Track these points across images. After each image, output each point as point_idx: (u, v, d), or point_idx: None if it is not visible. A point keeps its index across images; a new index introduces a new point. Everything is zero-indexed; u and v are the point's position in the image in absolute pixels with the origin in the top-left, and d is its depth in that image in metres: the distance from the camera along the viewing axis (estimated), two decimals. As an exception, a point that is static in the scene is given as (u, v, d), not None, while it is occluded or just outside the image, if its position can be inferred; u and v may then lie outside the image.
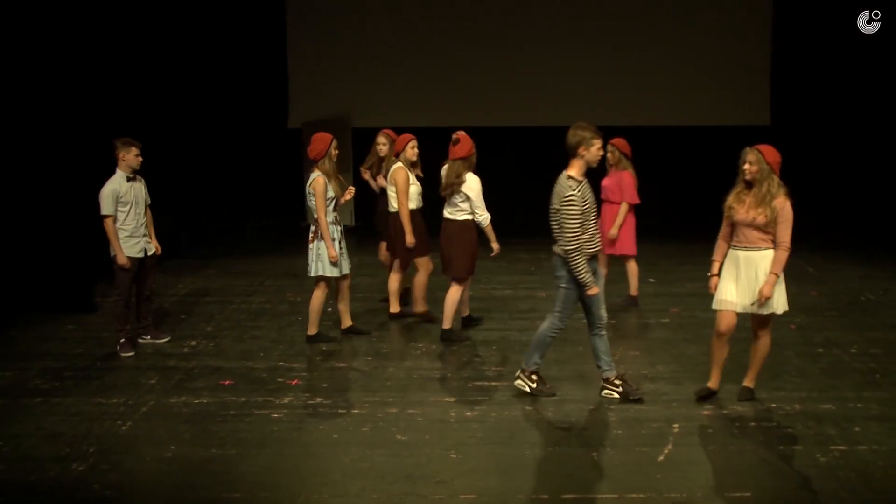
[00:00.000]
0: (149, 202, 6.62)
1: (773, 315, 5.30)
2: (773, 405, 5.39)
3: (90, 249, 7.76)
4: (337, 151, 6.58)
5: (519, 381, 5.57)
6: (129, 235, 6.38)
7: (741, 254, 5.25)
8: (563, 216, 5.12)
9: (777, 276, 5.21)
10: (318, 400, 5.59)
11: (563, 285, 5.30)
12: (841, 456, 4.67)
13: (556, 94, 11.62)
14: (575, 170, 5.18)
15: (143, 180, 6.54)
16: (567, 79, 11.65)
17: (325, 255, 6.39)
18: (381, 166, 7.37)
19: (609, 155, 7.33)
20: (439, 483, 4.44)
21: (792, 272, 8.91)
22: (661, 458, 4.72)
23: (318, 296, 6.59)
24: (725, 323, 5.33)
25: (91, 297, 7.79)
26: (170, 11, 10.85)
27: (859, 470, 4.50)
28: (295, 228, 11.93)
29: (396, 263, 7.19)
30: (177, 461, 4.74)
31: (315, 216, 6.43)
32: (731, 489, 4.34)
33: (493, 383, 5.87)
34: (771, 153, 5.32)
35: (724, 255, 5.35)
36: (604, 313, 5.44)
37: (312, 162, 6.53)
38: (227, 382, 5.94)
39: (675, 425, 5.10)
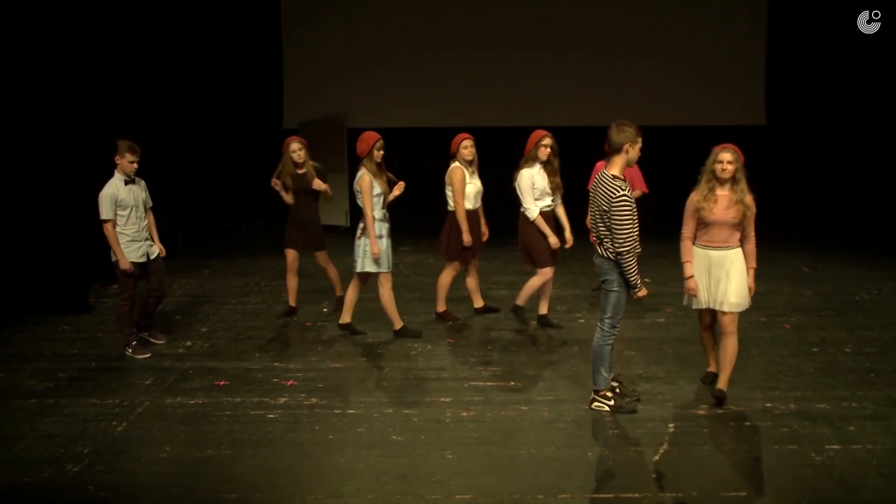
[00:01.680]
0: (150, 205, 6.53)
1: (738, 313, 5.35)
2: (768, 404, 5.40)
3: (84, 250, 7.75)
4: (381, 152, 6.55)
5: (595, 404, 5.33)
6: (131, 240, 6.27)
7: (713, 254, 5.27)
8: (616, 217, 4.96)
9: (756, 269, 5.35)
10: (314, 400, 5.58)
11: (614, 289, 5.11)
12: (836, 455, 4.68)
13: (551, 94, 11.61)
14: (617, 168, 5.06)
15: (143, 183, 6.46)
16: (562, 79, 11.65)
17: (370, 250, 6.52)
18: (296, 174, 7.14)
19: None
20: (435, 483, 4.44)
21: (787, 272, 9.00)
22: (657, 457, 4.73)
23: (384, 291, 6.75)
24: (710, 316, 5.54)
25: (85, 298, 7.77)
26: (165, 12, 10.83)
27: (854, 469, 4.52)
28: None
29: (454, 264, 7.19)
30: (172, 462, 4.74)
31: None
32: (726, 488, 4.35)
33: (489, 383, 5.87)
34: (740, 152, 5.38)
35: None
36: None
37: (359, 159, 6.61)
38: (222, 383, 5.93)
39: (671, 425, 5.11)
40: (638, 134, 5.06)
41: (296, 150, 7.13)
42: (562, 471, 4.56)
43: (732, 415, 5.25)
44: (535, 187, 6.68)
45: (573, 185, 7.82)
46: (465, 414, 5.33)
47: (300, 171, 7.18)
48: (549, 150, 6.67)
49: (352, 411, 5.39)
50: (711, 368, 5.74)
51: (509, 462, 4.67)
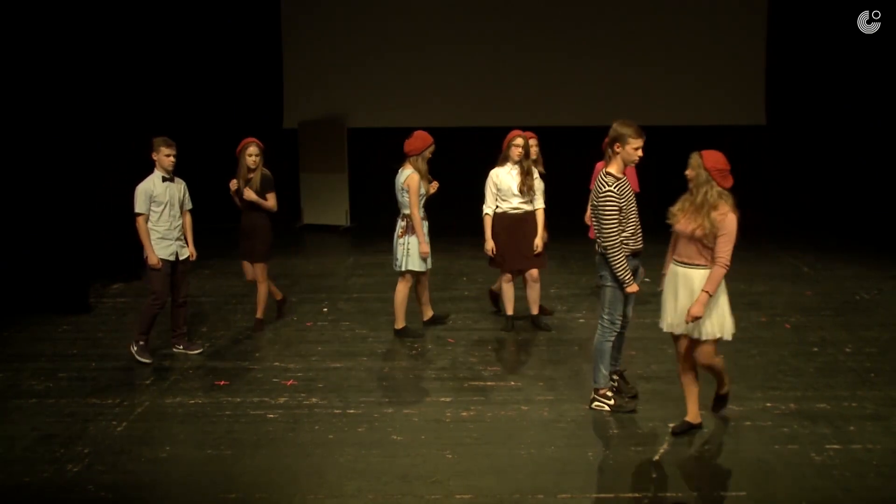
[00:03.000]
0: (189, 207, 6.47)
1: (709, 341, 4.73)
2: (769, 404, 5.40)
3: (85, 250, 7.75)
4: (431, 155, 6.60)
5: (595, 404, 5.31)
6: (161, 237, 6.20)
7: (679, 270, 4.77)
8: (600, 212, 5.03)
9: (709, 294, 4.60)
10: (314, 400, 5.58)
11: (608, 284, 5.14)
12: (836, 455, 4.68)
13: (552, 94, 11.62)
14: (614, 167, 5.09)
15: (183, 184, 6.39)
16: (563, 79, 11.65)
17: (416, 249, 6.52)
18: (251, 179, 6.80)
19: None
20: (435, 483, 4.44)
21: (787, 272, 9.00)
22: (657, 457, 4.73)
23: (403, 290, 6.72)
24: (685, 345, 4.85)
25: (85, 298, 7.76)
26: (165, 13, 10.82)
27: (854, 469, 4.52)
28: (290, 229, 11.93)
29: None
30: (172, 462, 4.74)
31: (406, 212, 6.57)
32: (726, 488, 4.35)
33: (489, 383, 5.87)
34: (712, 159, 4.75)
35: None
36: (629, 312, 5.34)
37: (405, 156, 6.59)
38: (222, 383, 5.93)
39: (671, 425, 5.10)
40: (635, 134, 5.02)
41: (252, 154, 6.77)
42: (562, 471, 4.56)
43: (732, 414, 5.25)
44: (499, 188, 6.66)
45: (573, 185, 7.85)
46: (465, 414, 5.33)
47: (249, 177, 6.82)
48: (520, 149, 6.59)
49: (352, 411, 5.39)
50: (689, 418, 4.99)
51: (509, 462, 4.67)
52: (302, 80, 12.01)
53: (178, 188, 6.36)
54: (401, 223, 6.63)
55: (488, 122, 11.65)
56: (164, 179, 6.23)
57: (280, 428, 5.14)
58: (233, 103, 11.79)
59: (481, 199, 6.83)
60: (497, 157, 6.77)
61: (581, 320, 7.30)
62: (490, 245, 6.69)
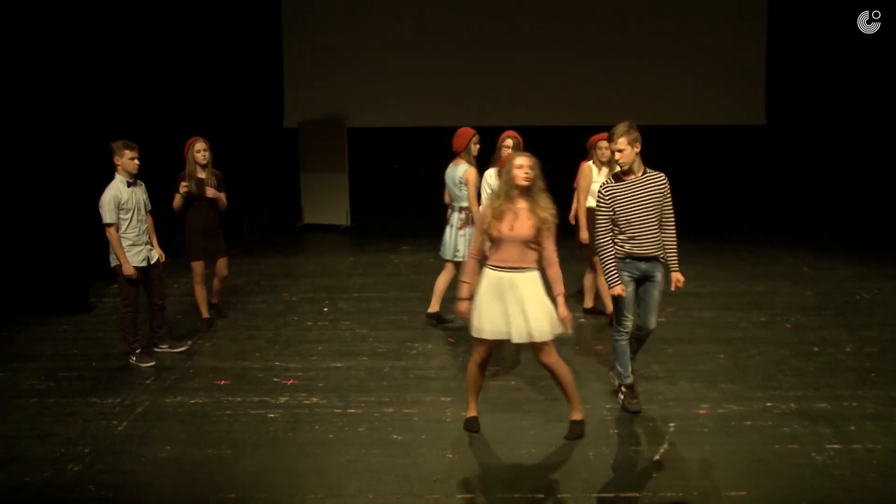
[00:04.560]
0: (150, 208, 6.33)
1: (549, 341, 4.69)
2: (769, 404, 5.40)
3: (85, 250, 7.74)
4: (477, 146, 6.78)
5: (619, 396, 5.44)
6: (132, 244, 6.07)
7: (505, 276, 4.58)
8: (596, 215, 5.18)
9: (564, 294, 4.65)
10: (314, 400, 5.58)
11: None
12: (836, 455, 4.68)
13: (551, 94, 11.62)
14: (614, 169, 5.27)
15: (143, 185, 6.27)
16: (562, 79, 11.65)
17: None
18: (197, 178, 6.74)
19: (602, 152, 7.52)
20: (435, 483, 4.44)
21: (787, 272, 9.00)
22: (657, 457, 4.73)
23: (447, 278, 6.86)
24: (487, 351, 4.80)
25: (86, 298, 7.76)
26: (165, 12, 10.83)
27: (854, 469, 4.52)
28: (290, 229, 11.94)
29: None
30: (173, 461, 4.74)
31: (464, 204, 6.73)
32: (726, 488, 4.35)
33: (490, 383, 5.86)
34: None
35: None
36: (644, 319, 5.25)
37: (454, 154, 6.77)
38: (222, 382, 5.93)
39: (671, 424, 5.11)
40: (611, 136, 4.99)
41: (201, 149, 6.68)
42: (562, 470, 4.56)
43: (733, 414, 5.25)
44: (492, 188, 6.54)
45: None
46: (465, 414, 5.32)
47: (200, 175, 6.73)
48: (509, 150, 6.56)
49: (352, 411, 5.39)
50: (472, 412, 4.96)
51: (509, 462, 4.67)
52: (302, 79, 12.01)
53: (142, 190, 6.23)
54: (459, 215, 6.80)
55: (487, 121, 11.60)
56: (128, 184, 6.06)
57: (280, 428, 5.15)
58: (233, 103, 11.79)
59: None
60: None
61: (581, 320, 7.30)
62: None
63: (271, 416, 5.33)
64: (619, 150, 4.96)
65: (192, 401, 5.59)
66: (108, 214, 5.98)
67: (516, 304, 4.57)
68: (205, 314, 7.12)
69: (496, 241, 4.58)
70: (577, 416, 4.90)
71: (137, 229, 6.13)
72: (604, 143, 6.64)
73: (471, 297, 4.70)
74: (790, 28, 11.49)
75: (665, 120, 11.30)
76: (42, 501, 4.34)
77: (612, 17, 11.62)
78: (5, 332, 7.10)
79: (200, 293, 7.04)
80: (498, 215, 4.55)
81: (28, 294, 7.64)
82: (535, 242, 4.57)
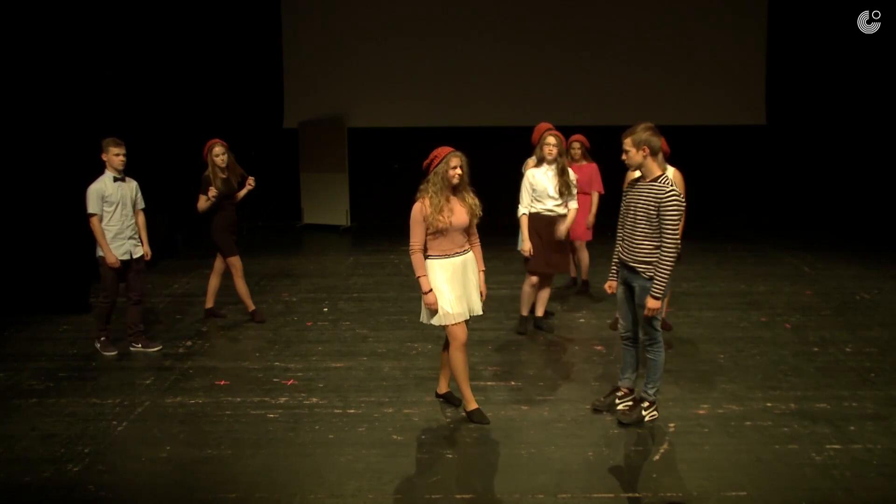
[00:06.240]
0: (142, 206, 6.53)
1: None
2: (769, 404, 5.40)
3: (84, 250, 7.73)
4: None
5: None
6: (114, 236, 6.31)
7: (457, 260, 5.01)
8: None
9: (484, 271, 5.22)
10: (314, 400, 5.58)
11: None
12: (836, 455, 4.68)
13: (551, 93, 11.63)
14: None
15: (134, 183, 6.47)
16: (562, 79, 11.66)
17: None
18: (221, 178, 7.00)
19: (574, 151, 7.61)
20: (435, 483, 4.44)
21: (787, 272, 9.00)
22: (657, 457, 4.73)
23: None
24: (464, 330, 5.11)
25: (86, 297, 7.76)
26: (165, 12, 10.82)
27: (854, 469, 4.52)
28: (290, 229, 11.94)
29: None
30: (172, 462, 4.73)
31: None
32: (726, 488, 4.35)
33: (489, 383, 5.87)
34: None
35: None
36: (619, 318, 5.28)
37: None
38: (222, 383, 5.93)
39: (671, 425, 5.11)
40: (623, 135, 4.94)
41: (219, 154, 7.00)
42: (562, 470, 4.56)
43: (733, 414, 5.25)
44: (534, 188, 6.53)
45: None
46: (466, 408, 5.32)
47: (223, 176, 7.03)
48: (553, 148, 6.42)
49: (352, 411, 5.39)
50: (475, 404, 5.21)
51: (509, 462, 4.67)
52: (302, 79, 12.02)
53: (130, 188, 6.44)
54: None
55: (487, 121, 11.68)
56: (115, 179, 6.31)
57: (280, 428, 5.15)
58: (233, 103, 11.80)
59: (479, 198, 6.82)
60: (499, 155, 6.75)
61: (581, 320, 7.31)
62: (527, 246, 6.51)
63: (271, 416, 5.33)
64: (625, 152, 4.92)
65: (192, 401, 5.59)
66: (90, 205, 6.24)
67: (469, 283, 5.07)
68: (251, 306, 7.38)
69: (443, 232, 4.96)
70: (444, 388, 5.47)
71: (120, 223, 6.33)
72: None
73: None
74: (790, 28, 11.50)
75: (665, 120, 11.19)
76: (42, 501, 4.34)
77: (612, 17, 11.63)
78: (6, 331, 7.10)
79: (243, 287, 7.30)
80: (438, 210, 4.92)
81: (28, 294, 7.65)
82: (468, 228, 5.06)
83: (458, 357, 5.08)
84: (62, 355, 6.53)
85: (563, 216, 6.58)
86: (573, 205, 6.61)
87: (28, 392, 5.77)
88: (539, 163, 6.57)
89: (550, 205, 6.53)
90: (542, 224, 6.55)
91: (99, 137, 6.45)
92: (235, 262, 7.21)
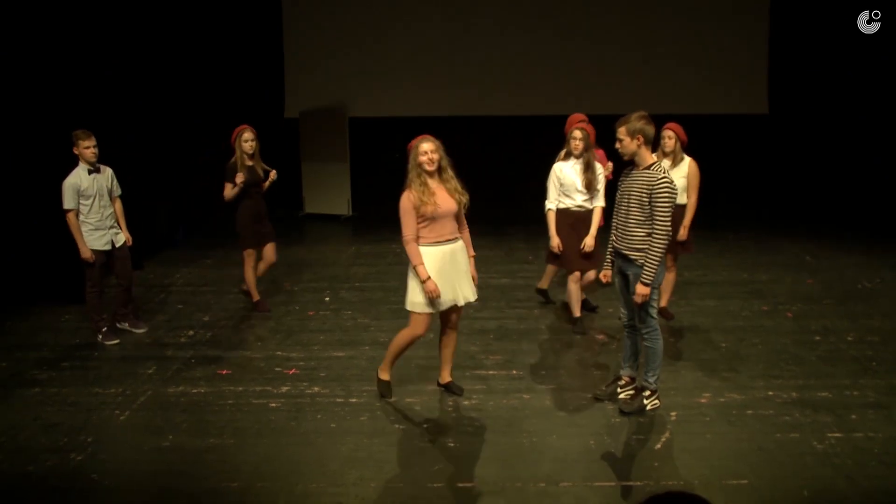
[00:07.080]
0: (118, 193, 6.53)
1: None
2: (770, 393, 5.40)
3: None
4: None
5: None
6: (94, 228, 6.30)
7: (446, 248, 5.02)
8: None
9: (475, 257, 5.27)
10: (316, 389, 5.59)
11: None
12: (837, 443, 4.69)
13: (553, 84, 11.58)
14: None
15: (110, 171, 6.46)
16: (563, 68, 11.61)
17: None
18: (247, 166, 6.84)
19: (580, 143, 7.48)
20: (437, 472, 4.45)
21: (789, 261, 8.99)
22: (659, 446, 4.74)
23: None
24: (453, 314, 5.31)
25: (84, 286, 7.75)
26: (166, 3, 10.78)
27: (855, 457, 4.52)
28: (292, 218, 11.93)
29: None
30: (174, 451, 4.75)
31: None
32: (728, 477, 4.36)
33: (491, 372, 5.88)
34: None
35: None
36: (626, 313, 5.22)
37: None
38: (224, 372, 5.94)
39: (673, 413, 5.12)
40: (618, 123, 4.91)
41: (248, 139, 6.81)
42: (564, 459, 4.57)
43: (734, 403, 5.26)
44: (562, 182, 6.35)
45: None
46: (467, 402, 5.34)
47: (249, 164, 6.86)
48: (579, 143, 6.25)
49: (354, 400, 5.40)
50: (449, 377, 5.50)
51: (511, 450, 4.68)
52: (303, 68, 11.98)
53: (105, 177, 6.41)
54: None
55: (489, 111, 11.64)
56: (89, 172, 6.27)
57: (282, 417, 5.16)
58: (234, 93, 11.76)
59: (479, 189, 6.81)
60: (501, 146, 6.69)
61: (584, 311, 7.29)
62: (556, 241, 6.38)
63: (273, 405, 5.34)
64: (619, 140, 4.89)
65: (194, 390, 5.60)
66: (66, 200, 6.23)
67: (459, 271, 5.09)
68: (256, 296, 7.32)
69: (432, 219, 4.96)
70: (446, 378, 5.48)
71: (100, 214, 6.33)
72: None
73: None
74: (792, 18, 11.44)
75: (668, 109, 11.17)
76: (45, 490, 4.36)
77: (615, 7, 11.57)
78: (8, 321, 7.11)
79: (251, 278, 7.22)
80: (421, 196, 4.93)
81: (30, 284, 7.65)
82: (456, 213, 5.04)
83: (405, 340, 5.20)
84: (64, 345, 6.54)
85: (591, 211, 6.38)
86: (599, 202, 6.39)
87: (30, 381, 5.78)
88: (567, 156, 6.42)
89: (580, 200, 6.35)
90: (573, 220, 6.38)
91: (99, 129, 6.45)
92: (249, 255, 7.11)
